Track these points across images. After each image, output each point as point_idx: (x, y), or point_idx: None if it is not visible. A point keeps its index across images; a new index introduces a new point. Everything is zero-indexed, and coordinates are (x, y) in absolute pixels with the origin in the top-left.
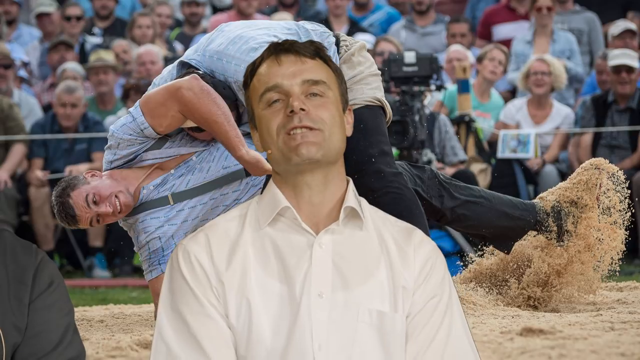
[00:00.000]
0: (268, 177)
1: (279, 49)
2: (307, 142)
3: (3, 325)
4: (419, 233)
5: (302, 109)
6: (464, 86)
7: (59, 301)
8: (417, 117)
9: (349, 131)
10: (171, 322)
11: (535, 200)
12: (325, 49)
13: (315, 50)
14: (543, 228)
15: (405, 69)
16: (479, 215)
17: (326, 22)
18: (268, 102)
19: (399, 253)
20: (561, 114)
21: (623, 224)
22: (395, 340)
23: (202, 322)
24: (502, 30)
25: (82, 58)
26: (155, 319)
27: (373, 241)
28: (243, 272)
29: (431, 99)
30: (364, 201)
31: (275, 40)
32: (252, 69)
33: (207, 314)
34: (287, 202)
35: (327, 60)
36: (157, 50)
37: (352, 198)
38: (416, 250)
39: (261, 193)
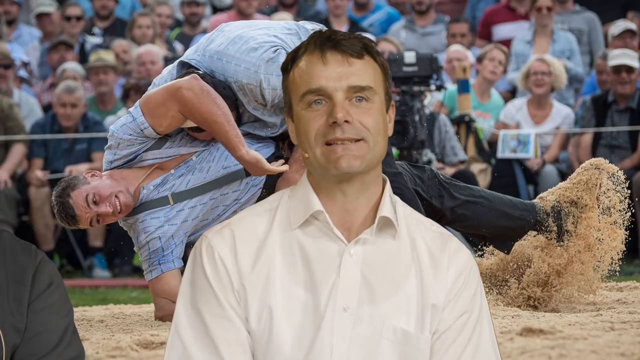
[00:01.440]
0: (269, 177)
1: (325, 44)
2: (348, 155)
3: (2, 326)
4: (454, 241)
5: (347, 121)
6: (464, 86)
7: (58, 302)
8: (417, 117)
9: (391, 130)
10: (189, 319)
11: (535, 200)
12: (373, 43)
13: (362, 47)
14: (543, 228)
15: (405, 69)
16: (479, 215)
17: (326, 22)
18: (309, 102)
19: (432, 263)
20: (561, 114)
21: (623, 224)
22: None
23: (221, 324)
24: (502, 30)
25: (82, 58)
26: (155, 319)
27: (405, 251)
28: (267, 276)
29: (431, 99)
30: (398, 202)
31: (277, 40)
32: (294, 56)
33: (226, 317)
34: (320, 206)
35: (374, 55)
36: (157, 50)
37: (388, 204)
38: (450, 260)
39: (262, 191)
